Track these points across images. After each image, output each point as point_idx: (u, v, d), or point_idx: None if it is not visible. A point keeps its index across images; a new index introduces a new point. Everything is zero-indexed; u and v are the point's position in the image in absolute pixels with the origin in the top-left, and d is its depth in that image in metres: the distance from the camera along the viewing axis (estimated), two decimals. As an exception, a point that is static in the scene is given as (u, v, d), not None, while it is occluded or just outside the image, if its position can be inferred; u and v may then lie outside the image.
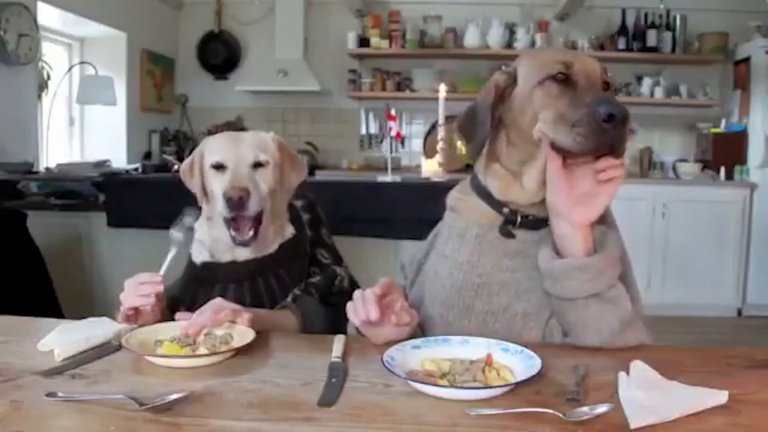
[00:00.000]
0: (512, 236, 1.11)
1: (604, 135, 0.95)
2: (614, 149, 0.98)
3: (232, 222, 1.25)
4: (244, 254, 1.31)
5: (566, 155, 1.01)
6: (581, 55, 1.07)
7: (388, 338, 1.05)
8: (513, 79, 1.09)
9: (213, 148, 1.31)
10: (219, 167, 1.28)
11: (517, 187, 1.10)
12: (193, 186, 1.35)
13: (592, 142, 0.96)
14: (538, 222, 1.10)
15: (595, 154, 0.99)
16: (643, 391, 0.83)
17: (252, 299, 1.28)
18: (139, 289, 1.17)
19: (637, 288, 1.12)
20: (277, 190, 1.31)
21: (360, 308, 1.03)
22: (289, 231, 1.38)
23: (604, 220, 1.09)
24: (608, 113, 0.94)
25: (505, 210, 1.11)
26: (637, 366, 0.91)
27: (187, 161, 1.37)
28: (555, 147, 1.00)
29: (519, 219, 1.10)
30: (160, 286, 1.18)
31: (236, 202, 1.21)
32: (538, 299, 1.09)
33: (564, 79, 1.03)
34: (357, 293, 1.06)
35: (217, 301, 1.13)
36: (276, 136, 1.37)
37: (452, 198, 1.22)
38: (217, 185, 1.27)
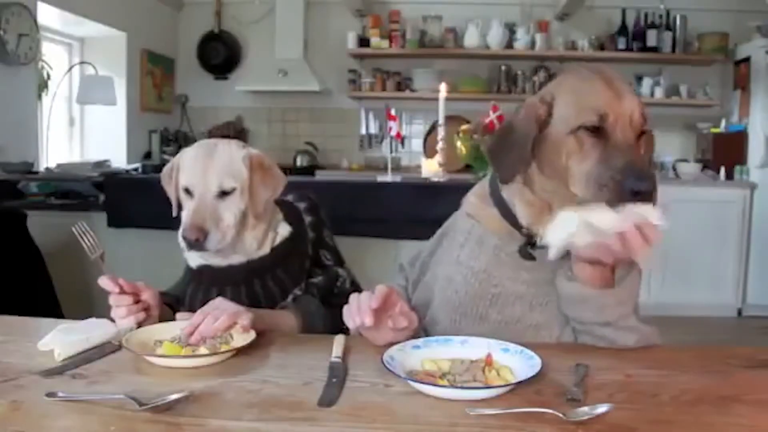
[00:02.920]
0: (533, 258, 1.09)
1: (631, 201, 0.93)
2: None
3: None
4: (237, 258, 1.31)
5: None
6: (624, 95, 1.00)
7: (387, 340, 1.04)
8: (550, 111, 1.04)
9: (185, 167, 1.27)
10: (187, 191, 1.26)
11: (547, 218, 1.06)
12: (170, 194, 1.33)
13: (614, 203, 0.94)
14: None
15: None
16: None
17: (250, 301, 1.28)
18: (117, 313, 1.16)
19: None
20: (249, 208, 1.28)
21: (355, 313, 1.03)
22: (284, 231, 1.37)
23: None
24: (632, 190, 0.92)
25: (524, 230, 1.08)
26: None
27: (167, 166, 1.34)
28: (581, 201, 0.98)
29: (539, 240, 1.07)
30: (129, 298, 1.17)
31: (192, 243, 1.20)
32: (551, 312, 1.09)
33: (597, 130, 0.98)
34: (353, 297, 1.05)
35: (216, 302, 1.13)
36: (250, 153, 1.30)
37: (470, 204, 1.19)
38: (184, 210, 1.25)
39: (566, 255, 1.07)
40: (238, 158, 1.28)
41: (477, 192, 1.19)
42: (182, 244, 1.22)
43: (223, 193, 1.24)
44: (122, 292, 1.16)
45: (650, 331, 1.07)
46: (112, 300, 1.17)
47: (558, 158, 1.01)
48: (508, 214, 1.10)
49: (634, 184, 0.92)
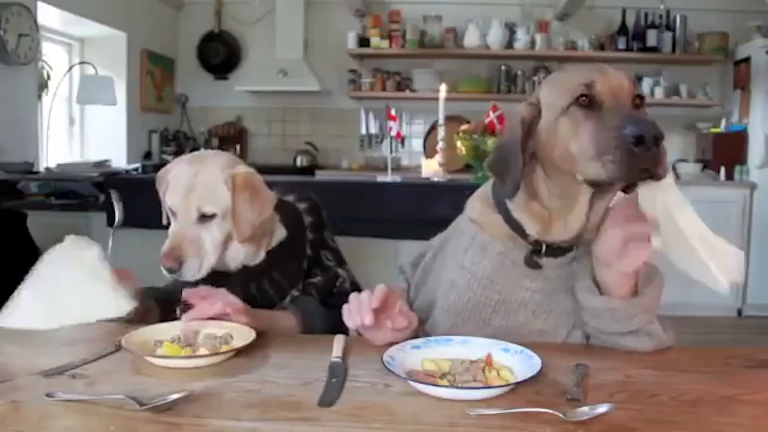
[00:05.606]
0: (539, 267, 1.07)
1: (636, 159, 0.87)
2: (652, 173, 0.91)
3: None
4: (234, 264, 1.31)
5: (601, 185, 0.96)
6: (607, 69, 0.98)
7: (386, 340, 1.04)
8: (538, 110, 1.02)
9: (171, 185, 1.23)
10: (171, 212, 1.24)
11: (558, 226, 1.04)
12: (162, 199, 1.29)
13: (623, 170, 0.89)
14: (563, 249, 1.07)
15: (630, 180, 0.94)
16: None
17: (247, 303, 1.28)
18: None
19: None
20: (233, 234, 1.24)
21: (355, 313, 1.02)
22: (280, 233, 1.36)
23: None
24: (636, 135, 0.86)
25: (530, 238, 1.06)
26: None
27: (164, 170, 1.30)
28: (588, 180, 0.95)
29: (544, 249, 1.06)
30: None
31: (169, 270, 1.19)
32: (555, 319, 1.09)
33: (588, 103, 0.95)
34: (353, 297, 1.05)
35: (221, 292, 1.15)
36: (236, 173, 1.24)
37: (474, 210, 1.16)
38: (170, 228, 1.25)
39: (579, 264, 1.07)
40: (221, 180, 1.22)
41: (480, 196, 1.16)
42: (162, 268, 1.21)
43: (204, 217, 1.21)
44: None
45: (666, 337, 1.05)
46: None
47: (557, 150, 0.98)
48: (511, 221, 1.08)
49: (632, 129, 0.87)
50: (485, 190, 1.16)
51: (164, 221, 1.29)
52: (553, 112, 0.99)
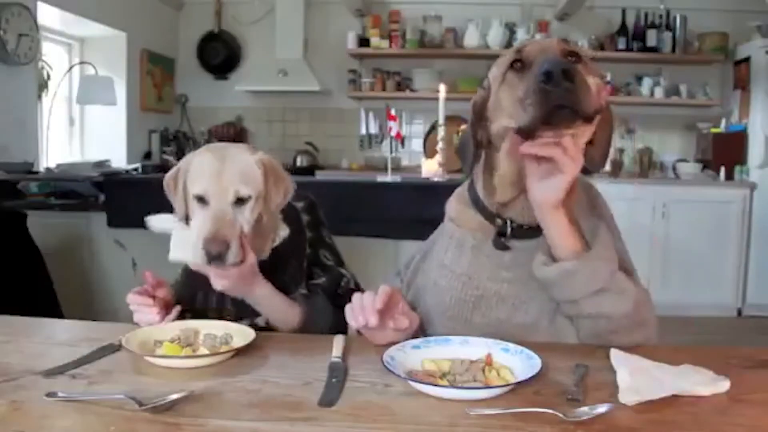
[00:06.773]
0: (507, 248, 1.09)
1: (550, 97, 0.89)
2: (573, 110, 0.90)
3: None
4: None
5: (532, 135, 0.94)
6: (542, 40, 1.03)
7: (387, 340, 1.04)
8: (488, 92, 1.06)
9: (196, 174, 1.20)
10: (201, 199, 1.20)
11: (518, 200, 1.07)
12: (176, 202, 1.26)
13: (539, 109, 0.90)
14: (533, 231, 1.07)
15: (550, 120, 0.91)
16: (629, 373, 0.85)
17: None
18: (140, 309, 1.20)
19: (638, 278, 1.10)
20: (263, 215, 1.24)
21: (358, 313, 1.03)
22: (284, 232, 1.36)
23: (595, 212, 1.11)
24: (544, 72, 0.88)
25: (498, 221, 1.09)
26: (617, 354, 0.93)
27: (172, 172, 1.28)
28: (520, 132, 0.96)
29: (510, 229, 1.08)
30: (160, 292, 1.20)
31: (215, 256, 1.15)
32: (536, 310, 1.08)
33: (521, 67, 0.99)
34: (356, 297, 1.05)
35: (250, 262, 1.18)
36: (262, 157, 1.24)
37: (451, 207, 1.20)
38: (198, 219, 1.20)
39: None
40: (251, 163, 1.21)
41: (457, 195, 1.20)
42: (200, 258, 1.16)
43: (239, 201, 1.19)
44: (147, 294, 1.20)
45: (645, 297, 1.04)
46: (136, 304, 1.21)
47: (501, 120, 1.01)
48: (481, 208, 1.11)
49: (541, 67, 0.89)
50: (462, 189, 1.19)
51: (181, 216, 1.26)
52: (495, 85, 1.04)
